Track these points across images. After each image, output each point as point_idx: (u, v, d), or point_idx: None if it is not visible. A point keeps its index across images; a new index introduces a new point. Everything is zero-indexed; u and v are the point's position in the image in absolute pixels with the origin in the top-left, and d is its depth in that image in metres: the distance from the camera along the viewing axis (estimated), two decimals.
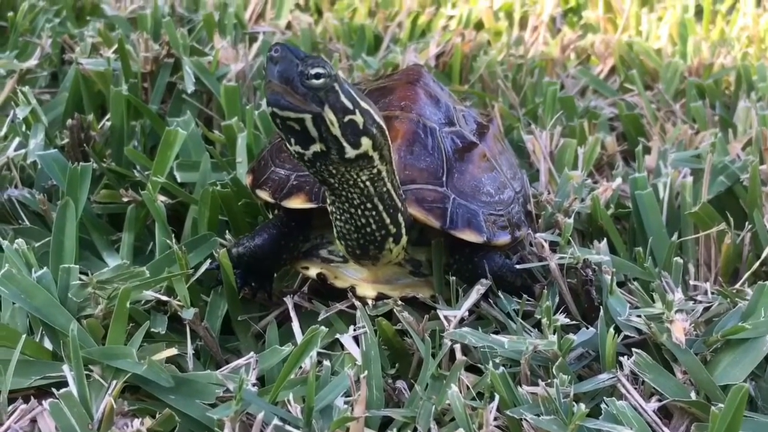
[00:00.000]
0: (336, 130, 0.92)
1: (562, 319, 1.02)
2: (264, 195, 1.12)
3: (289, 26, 1.93)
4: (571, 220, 1.15)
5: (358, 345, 1.02)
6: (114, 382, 0.95)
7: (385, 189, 1.00)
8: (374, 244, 1.05)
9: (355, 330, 1.04)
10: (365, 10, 1.95)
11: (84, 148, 1.37)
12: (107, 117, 1.42)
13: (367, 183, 0.98)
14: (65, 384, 0.94)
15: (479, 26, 1.97)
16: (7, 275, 1.01)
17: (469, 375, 0.99)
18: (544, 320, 1.02)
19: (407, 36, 1.88)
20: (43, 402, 0.90)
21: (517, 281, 1.12)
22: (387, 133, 0.98)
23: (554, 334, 1.00)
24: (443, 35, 1.87)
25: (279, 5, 1.95)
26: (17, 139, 1.32)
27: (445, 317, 1.04)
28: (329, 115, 0.91)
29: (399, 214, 1.04)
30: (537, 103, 1.59)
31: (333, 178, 0.97)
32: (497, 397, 0.92)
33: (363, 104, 0.94)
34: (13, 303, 1.05)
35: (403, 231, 1.06)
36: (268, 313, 1.15)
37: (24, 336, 0.95)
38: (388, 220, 1.03)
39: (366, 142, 0.94)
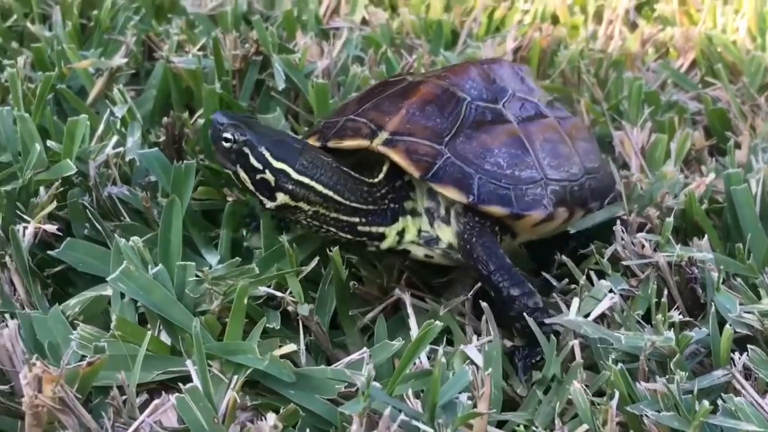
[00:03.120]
0: (250, 186, 1.09)
1: (676, 315, 1.02)
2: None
3: (364, 21, 1.94)
4: (671, 219, 1.16)
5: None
6: (235, 377, 0.96)
7: (331, 217, 1.12)
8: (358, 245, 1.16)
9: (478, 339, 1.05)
10: (441, 5, 1.95)
11: (178, 145, 1.39)
12: (198, 114, 1.44)
13: (311, 218, 1.11)
14: (185, 379, 0.96)
15: (554, 20, 1.97)
16: (126, 272, 1.03)
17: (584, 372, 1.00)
18: (659, 316, 1.02)
19: (483, 31, 1.89)
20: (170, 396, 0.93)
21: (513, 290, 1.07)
22: (315, 186, 1.09)
23: (670, 330, 1.00)
24: (519, 29, 1.87)
25: (353, 1, 1.96)
26: (115, 138, 1.34)
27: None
28: (242, 174, 1.09)
29: (359, 227, 1.13)
30: (620, 98, 1.59)
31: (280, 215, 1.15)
32: (617, 393, 0.93)
33: (277, 164, 1.07)
34: (122, 298, 1.08)
35: (378, 233, 1.14)
36: (373, 307, 1.17)
37: (149, 333, 0.97)
38: (349, 236, 1.14)
39: (282, 197, 1.08)
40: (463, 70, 1.23)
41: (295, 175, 1.08)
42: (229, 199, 1.25)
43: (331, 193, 1.10)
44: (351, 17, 1.92)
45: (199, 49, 1.64)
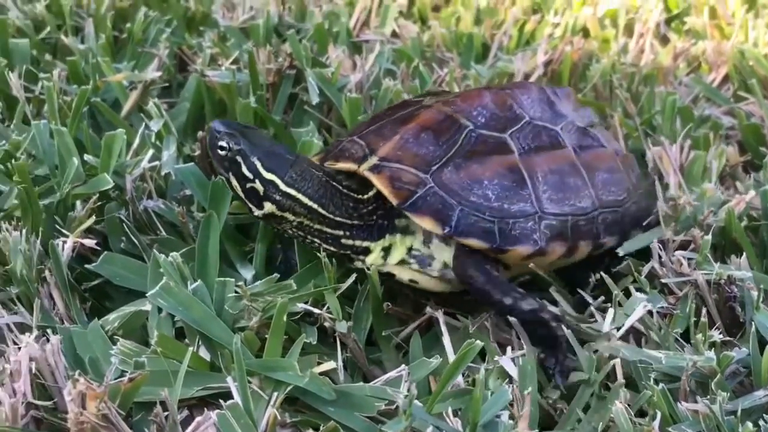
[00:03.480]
0: (240, 194, 1.14)
1: (716, 335, 1.02)
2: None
3: (394, 34, 1.94)
4: (709, 237, 1.15)
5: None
6: (275, 393, 0.97)
7: (315, 228, 1.15)
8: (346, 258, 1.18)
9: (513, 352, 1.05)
10: (471, 18, 1.95)
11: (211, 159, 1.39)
12: None
13: (296, 228, 1.15)
14: (224, 395, 0.97)
15: (585, 33, 1.97)
16: (166, 288, 1.04)
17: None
18: (699, 336, 1.02)
19: (514, 44, 1.89)
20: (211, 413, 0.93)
21: (505, 299, 1.08)
22: (301, 198, 1.13)
23: (710, 349, 1.00)
24: (550, 43, 1.87)
25: (383, 13, 1.96)
26: (150, 151, 1.35)
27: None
28: (233, 181, 1.14)
29: (342, 240, 1.16)
30: (653, 113, 1.58)
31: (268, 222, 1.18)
32: (659, 414, 0.92)
33: (267, 175, 1.11)
34: (159, 312, 1.08)
35: (362, 247, 1.16)
36: (406, 324, 1.17)
37: (191, 349, 0.98)
38: (333, 249, 1.16)
39: (269, 206, 1.12)
40: (476, 95, 1.22)
41: (283, 187, 1.12)
42: None
43: (315, 206, 1.13)
44: (381, 30, 1.92)
45: (231, 63, 1.65)
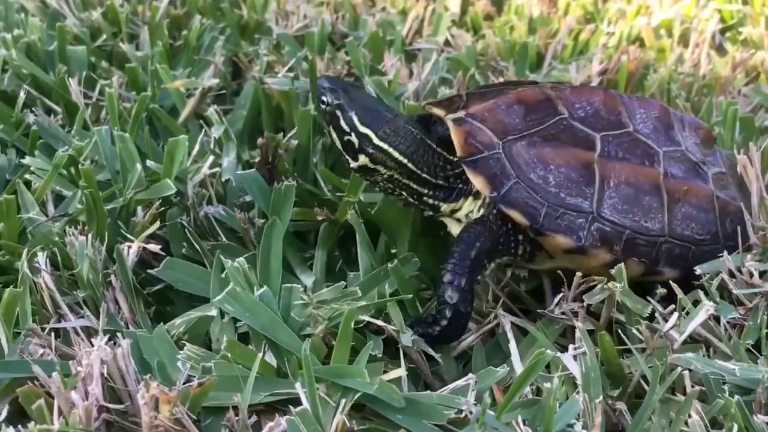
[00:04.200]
0: (338, 145, 1.20)
1: None
2: None
3: (447, 43, 1.94)
4: None
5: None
6: (343, 400, 0.96)
7: (403, 183, 1.19)
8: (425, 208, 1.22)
9: (575, 349, 1.04)
10: (524, 27, 1.94)
11: (271, 165, 1.40)
12: (291, 134, 1.44)
13: (386, 181, 1.20)
14: (292, 401, 0.97)
15: (639, 43, 1.95)
16: (232, 293, 1.04)
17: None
18: None
19: (569, 53, 1.88)
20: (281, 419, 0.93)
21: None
22: (392, 153, 1.17)
23: None
24: (605, 52, 1.86)
25: (436, 22, 1.96)
26: (211, 158, 1.35)
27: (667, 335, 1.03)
28: (333, 133, 1.20)
29: (425, 197, 1.20)
30: (713, 123, 1.57)
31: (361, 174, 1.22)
32: (735, 426, 0.91)
33: (362, 129, 1.17)
34: (222, 317, 1.08)
35: (437, 205, 1.21)
36: (469, 332, 1.16)
37: (260, 355, 0.98)
38: (415, 203, 1.21)
39: (363, 158, 1.18)
40: (588, 91, 1.24)
41: (376, 141, 1.17)
42: (319, 217, 1.25)
43: (405, 161, 1.18)
44: (434, 38, 1.92)
45: (287, 70, 1.65)
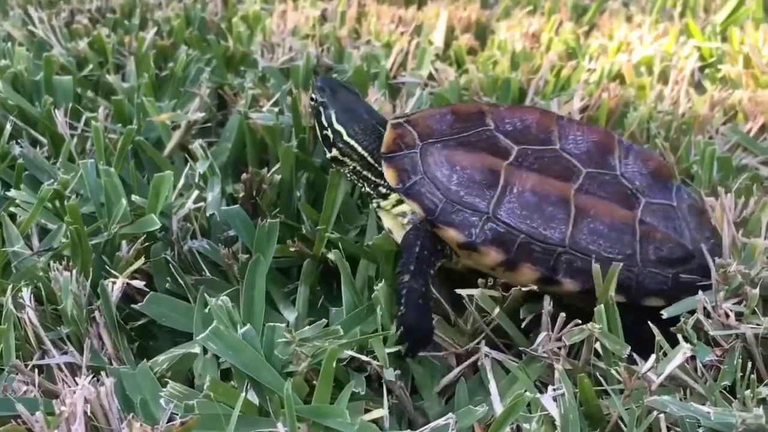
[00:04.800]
0: (319, 137, 1.35)
1: (764, 390, 1.02)
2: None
3: (431, 76, 1.96)
4: (756, 291, 1.15)
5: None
6: None
7: (363, 174, 1.32)
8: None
9: (554, 390, 1.05)
10: (507, 63, 1.96)
11: (254, 200, 1.41)
12: (274, 169, 1.46)
13: (351, 172, 1.33)
14: None
15: (620, 79, 1.98)
16: (216, 331, 1.05)
17: None
18: (747, 392, 1.02)
19: (551, 89, 1.90)
20: None
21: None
22: (356, 145, 1.31)
23: (759, 406, 1.00)
24: (586, 88, 1.88)
25: (420, 55, 1.98)
26: (196, 192, 1.36)
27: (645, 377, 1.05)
28: (316, 127, 1.36)
29: (380, 188, 1.30)
30: (692, 162, 1.59)
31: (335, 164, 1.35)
32: None
33: (336, 126, 1.31)
34: (205, 354, 1.09)
35: (387, 194, 1.29)
36: (451, 367, 1.17)
37: (243, 395, 0.98)
38: (372, 194, 1.32)
39: (335, 151, 1.33)
40: (524, 110, 1.31)
41: (345, 137, 1.31)
42: (292, 249, 1.28)
43: (366, 155, 1.30)
44: (418, 72, 1.94)
45: (273, 104, 1.67)
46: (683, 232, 1.25)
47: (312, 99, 1.34)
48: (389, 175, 1.24)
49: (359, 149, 1.31)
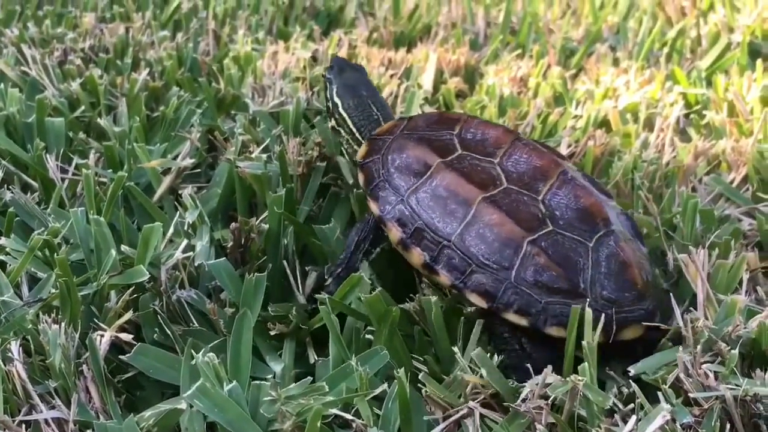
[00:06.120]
0: (325, 107, 1.65)
1: None
2: None
3: None
4: (736, 351, 1.16)
5: None
6: None
7: (354, 147, 1.53)
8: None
9: None
10: (495, 108, 1.99)
11: (243, 248, 1.43)
12: (262, 217, 1.47)
13: (344, 141, 1.58)
14: None
15: (606, 126, 2.00)
16: (202, 389, 1.06)
17: None
18: None
19: (538, 134, 1.92)
20: None
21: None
22: (347, 119, 1.54)
23: None
24: (572, 135, 1.90)
25: (409, 99, 1.99)
26: (184, 242, 1.38)
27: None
28: (325, 98, 1.62)
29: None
30: (674, 213, 1.61)
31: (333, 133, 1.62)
32: None
33: (335, 99, 1.56)
34: (191, 407, 1.10)
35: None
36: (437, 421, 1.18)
37: None
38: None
39: (332, 121, 1.58)
40: (491, 127, 1.42)
41: (340, 110, 1.55)
42: (272, 333, 1.31)
43: (354, 129, 1.53)
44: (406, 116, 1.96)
45: (263, 149, 1.69)
46: (581, 270, 1.26)
47: (323, 75, 1.61)
48: (361, 178, 1.40)
49: (349, 122, 1.54)
